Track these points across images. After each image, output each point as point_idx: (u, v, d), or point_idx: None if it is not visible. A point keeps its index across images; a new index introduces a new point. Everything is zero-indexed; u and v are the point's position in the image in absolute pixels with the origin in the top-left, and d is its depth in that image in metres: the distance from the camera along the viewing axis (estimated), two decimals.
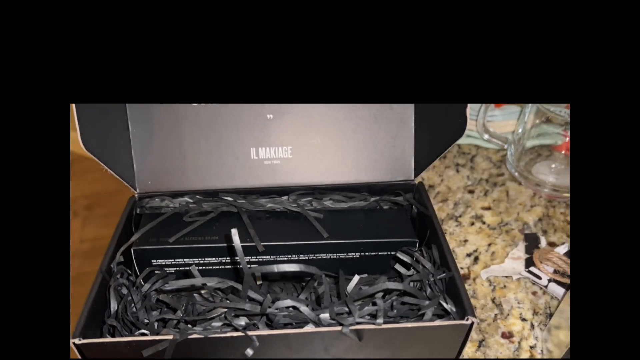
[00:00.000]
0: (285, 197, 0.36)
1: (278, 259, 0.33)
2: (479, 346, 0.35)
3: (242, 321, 0.28)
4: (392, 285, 0.29)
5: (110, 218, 0.34)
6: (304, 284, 0.34)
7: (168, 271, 0.33)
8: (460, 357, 0.31)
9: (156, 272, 0.33)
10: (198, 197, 0.36)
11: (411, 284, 0.31)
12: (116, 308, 0.29)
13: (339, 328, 0.26)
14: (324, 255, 0.33)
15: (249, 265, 0.29)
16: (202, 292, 0.33)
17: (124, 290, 0.31)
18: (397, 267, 0.32)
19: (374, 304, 0.28)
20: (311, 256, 0.32)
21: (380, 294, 0.30)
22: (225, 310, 0.29)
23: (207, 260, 0.33)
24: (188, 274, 0.33)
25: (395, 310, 0.29)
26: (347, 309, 0.28)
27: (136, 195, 0.35)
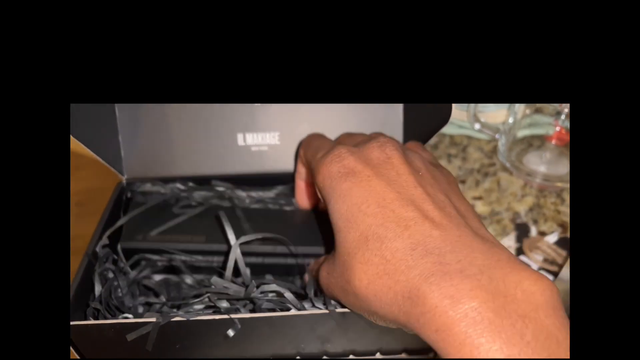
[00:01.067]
0: (273, 192, 0.36)
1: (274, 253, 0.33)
2: None
3: (225, 304, 0.28)
4: None
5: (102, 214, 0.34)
6: (291, 278, 0.34)
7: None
8: None
9: (143, 261, 0.33)
10: (191, 184, 0.36)
11: None
12: (100, 292, 0.29)
13: (321, 311, 0.26)
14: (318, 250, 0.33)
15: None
16: (188, 281, 0.33)
17: (110, 275, 0.31)
18: None
19: None
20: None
21: None
22: (208, 295, 0.29)
23: (194, 257, 0.33)
24: (174, 268, 0.33)
25: None
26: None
27: (124, 180, 0.35)
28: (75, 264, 0.32)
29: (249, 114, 0.35)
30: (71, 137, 0.30)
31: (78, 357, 0.28)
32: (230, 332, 0.26)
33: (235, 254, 0.29)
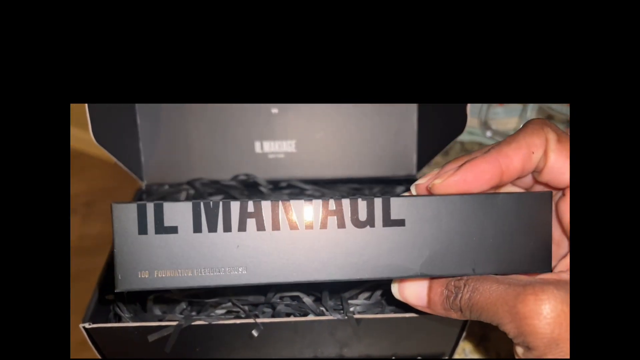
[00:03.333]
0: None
1: None
2: (480, 341, 0.35)
3: (245, 310, 0.29)
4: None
5: (110, 215, 0.34)
6: None
7: None
8: (462, 355, 0.32)
9: None
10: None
11: None
12: (124, 295, 0.30)
13: (339, 317, 0.27)
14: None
15: None
16: None
17: None
18: None
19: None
20: None
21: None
22: (229, 304, 0.29)
23: None
24: None
25: (393, 307, 0.30)
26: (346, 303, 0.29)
27: (143, 186, 0.36)
28: (81, 263, 0.32)
29: (267, 122, 0.36)
30: (76, 136, 0.31)
31: (100, 358, 0.29)
32: (255, 333, 0.27)
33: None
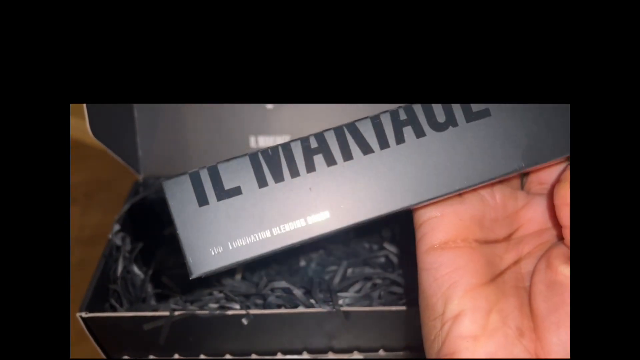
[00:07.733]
0: None
1: None
2: None
3: (237, 300, 0.29)
4: (370, 271, 0.31)
5: (111, 205, 0.35)
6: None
7: None
8: None
9: None
10: None
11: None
12: (120, 286, 0.31)
13: (328, 309, 0.28)
14: None
15: None
16: None
17: (128, 268, 0.32)
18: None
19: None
20: None
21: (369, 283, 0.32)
22: (222, 295, 0.30)
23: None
24: None
25: (382, 299, 0.31)
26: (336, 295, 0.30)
27: (140, 179, 0.37)
28: (81, 252, 0.33)
29: (261, 117, 0.37)
30: (76, 126, 0.31)
31: (100, 352, 0.30)
32: (244, 321, 0.27)
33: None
